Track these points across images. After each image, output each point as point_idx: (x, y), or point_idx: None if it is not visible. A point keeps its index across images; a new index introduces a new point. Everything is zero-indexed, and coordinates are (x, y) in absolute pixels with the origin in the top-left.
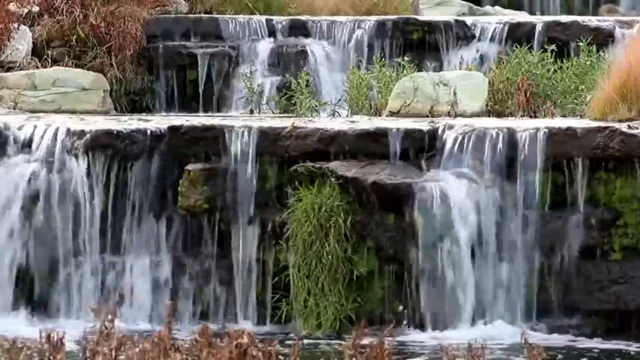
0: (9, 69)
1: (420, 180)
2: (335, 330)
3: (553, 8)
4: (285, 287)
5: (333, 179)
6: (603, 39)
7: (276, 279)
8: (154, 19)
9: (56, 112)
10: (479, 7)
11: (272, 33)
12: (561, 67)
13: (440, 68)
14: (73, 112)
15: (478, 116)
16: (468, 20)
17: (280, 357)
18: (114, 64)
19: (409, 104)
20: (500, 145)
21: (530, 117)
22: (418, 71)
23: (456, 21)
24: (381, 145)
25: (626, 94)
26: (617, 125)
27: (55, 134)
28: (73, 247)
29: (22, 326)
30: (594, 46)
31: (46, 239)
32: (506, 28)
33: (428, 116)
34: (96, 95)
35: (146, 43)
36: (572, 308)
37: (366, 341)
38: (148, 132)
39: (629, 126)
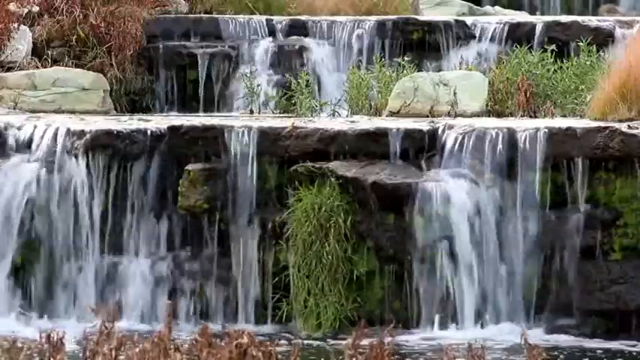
0: (9, 69)
1: (420, 180)
2: (335, 330)
3: (553, 8)
4: (285, 287)
5: (333, 179)
6: (603, 39)
7: (276, 279)
8: (154, 19)
9: (56, 112)
10: (479, 7)
11: (272, 33)
12: (561, 67)
13: (440, 68)
14: (73, 112)
15: (478, 116)
16: (468, 20)
17: (280, 357)
18: (114, 64)
19: (409, 104)
20: (500, 145)
21: (530, 117)
22: (418, 71)
23: (456, 21)
24: (381, 145)
25: (626, 94)
26: (617, 125)
27: (55, 134)
28: (73, 247)
29: (21, 326)
30: (594, 46)
31: (46, 239)
32: (506, 28)
33: (428, 116)
34: (96, 95)
35: (146, 43)
36: (572, 308)
37: (366, 341)
38: (148, 132)
39: (629, 126)
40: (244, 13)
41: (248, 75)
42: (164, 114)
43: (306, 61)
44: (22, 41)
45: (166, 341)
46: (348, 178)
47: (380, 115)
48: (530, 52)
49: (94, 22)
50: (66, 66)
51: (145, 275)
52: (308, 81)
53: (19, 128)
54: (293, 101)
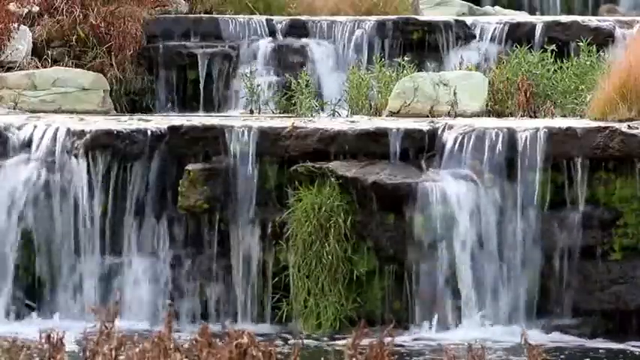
0: (9, 69)
1: (419, 180)
2: (335, 330)
3: (553, 8)
4: (285, 287)
5: (333, 179)
6: (603, 39)
7: (276, 279)
8: (154, 19)
9: (56, 112)
10: (479, 7)
11: (272, 33)
12: (561, 67)
13: (440, 68)
14: (73, 112)
15: (478, 116)
16: (468, 20)
17: (280, 357)
18: (114, 64)
19: (409, 104)
20: (500, 145)
21: (530, 117)
22: (418, 71)
23: (456, 21)
24: (381, 145)
25: (626, 94)
26: (617, 125)
27: (55, 134)
28: (73, 247)
29: (21, 326)
30: (594, 46)
31: (45, 239)
32: (506, 28)
33: (428, 116)
34: (96, 95)
35: (146, 43)
36: (572, 308)
37: (365, 341)
38: (148, 132)
39: (629, 126)
40: (244, 13)
41: (248, 75)
42: (164, 114)
43: (306, 61)
44: (22, 41)
45: (166, 341)
46: (348, 178)
47: (380, 115)
48: (530, 52)
49: (94, 22)
50: (66, 66)
51: (145, 275)
52: (308, 81)
53: (19, 128)
54: (293, 101)
